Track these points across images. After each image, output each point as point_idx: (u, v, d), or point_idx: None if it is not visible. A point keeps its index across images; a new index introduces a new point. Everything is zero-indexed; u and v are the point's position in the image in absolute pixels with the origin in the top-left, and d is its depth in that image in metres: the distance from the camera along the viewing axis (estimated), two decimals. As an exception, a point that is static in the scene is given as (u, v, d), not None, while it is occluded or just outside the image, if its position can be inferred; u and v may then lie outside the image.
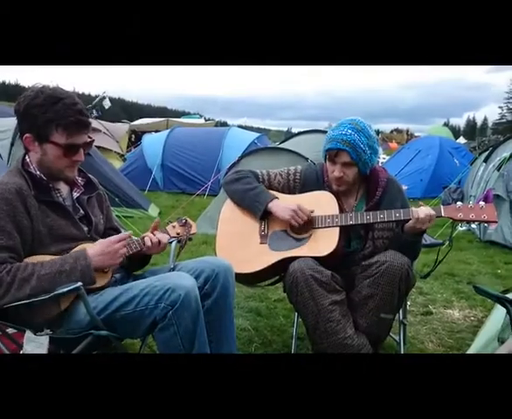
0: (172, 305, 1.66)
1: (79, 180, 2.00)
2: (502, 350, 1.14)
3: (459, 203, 2.20)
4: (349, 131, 2.26)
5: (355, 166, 2.30)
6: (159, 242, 1.97)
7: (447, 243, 2.33)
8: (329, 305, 2.18)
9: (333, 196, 2.36)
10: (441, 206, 2.23)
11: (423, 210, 2.16)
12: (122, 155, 13.62)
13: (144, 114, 29.71)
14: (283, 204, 2.36)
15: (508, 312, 1.68)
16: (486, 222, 2.18)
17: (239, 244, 2.41)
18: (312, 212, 2.33)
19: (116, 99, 73.22)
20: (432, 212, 2.16)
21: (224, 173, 6.44)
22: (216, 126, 20.89)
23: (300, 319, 2.40)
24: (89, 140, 1.87)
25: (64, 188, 1.94)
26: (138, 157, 10.87)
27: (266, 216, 2.41)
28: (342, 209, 2.37)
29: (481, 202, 2.20)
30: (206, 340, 1.78)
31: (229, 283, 1.91)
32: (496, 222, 2.30)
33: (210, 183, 9.40)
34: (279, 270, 2.39)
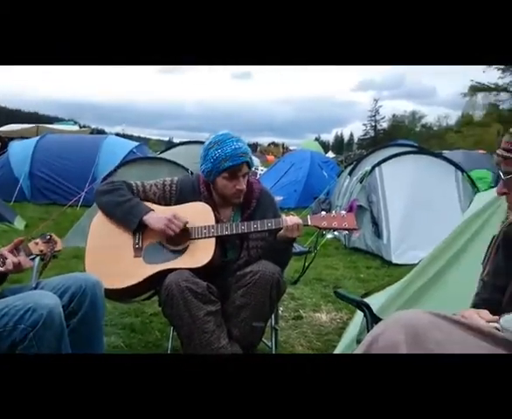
0: (33, 325, 1.55)
1: None
2: (358, 351, 1.24)
3: (323, 213, 2.37)
4: (239, 144, 2.35)
5: (248, 174, 2.40)
6: (19, 263, 1.83)
7: (313, 250, 2.50)
8: (204, 316, 2.20)
9: (209, 207, 2.39)
10: (308, 216, 2.38)
11: (291, 219, 2.29)
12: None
13: (13, 120, 27.27)
14: (159, 214, 2.34)
15: (364, 314, 1.84)
16: (347, 229, 2.38)
17: (111, 259, 2.33)
18: (187, 223, 2.33)
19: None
20: (300, 221, 2.29)
21: (99, 183, 6.18)
22: (91, 133, 19.90)
23: (175, 333, 2.39)
24: None
25: None
26: (3, 165, 9.98)
27: (140, 229, 2.36)
28: (218, 220, 2.40)
29: (343, 212, 2.39)
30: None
31: (97, 299, 1.83)
32: (356, 229, 2.51)
33: (83, 193, 8.94)
34: (154, 283, 2.34)
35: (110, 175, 5.94)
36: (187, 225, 2.33)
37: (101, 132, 34.52)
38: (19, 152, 10.13)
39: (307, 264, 2.51)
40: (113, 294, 2.26)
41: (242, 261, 2.41)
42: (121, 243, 2.36)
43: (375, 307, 2.12)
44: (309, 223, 2.33)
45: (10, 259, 1.80)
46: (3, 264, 1.78)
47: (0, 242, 5.04)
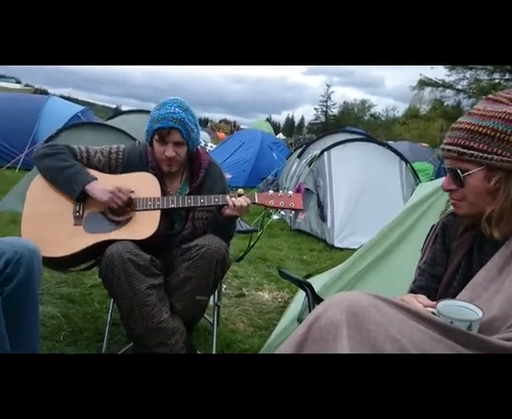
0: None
1: None
2: (300, 329, 1.25)
3: (270, 192, 2.36)
4: (177, 109, 2.27)
5: (185, 145, 2.32)
6: None
7: (259, 229, 2.50)
8: (147, 288, 2.16)
9: (155, 179, 2.33)
10: (255, 193, 2.38)
11: (239, 198, 2.27)
12: None
13: None
14: (102, 187, 2.26)
15: (306, 294, 1.88)
16: (293, 209, 2.39)
17: (50, 226, 2.23)
18: (132, 193, 2.27)
19: None
20: (248, 200, 2.28)
21: (41, 145, 5.90)
22: (34, 93, 18.93)
23: (115, 305, 2.34)
24: None
25: None
26: None
27: (82, 197, 2.27)
28: (165, 192, 2.35)
29: (290, 192, 2.40)
30: (5, 332, 1.60)
31: (34, 267, 1.74)
32: (302, 209, 2.53)
33: (23, 156, 8.55)
34: (95, 253, 2.28)
35: (52, 138, 5.69)
36: (132, 196, 2.27)
37: (45, 92, 32.88)
38: (-48, 106, 9.48)
39: (252, 243, 2.51)
40: (51, 263, 2.17)
41: (187, 232, 2.38)
42: (61, 209, 2.26)
43: (317, 288, 2.16)
44: (256, 200, 2.32)
45: None
46: None
47: None
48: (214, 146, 15.02)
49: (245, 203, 2.25)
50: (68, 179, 2.25)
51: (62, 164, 2.27)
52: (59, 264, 2.29)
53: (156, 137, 2.30)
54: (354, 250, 2.83)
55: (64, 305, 3.02)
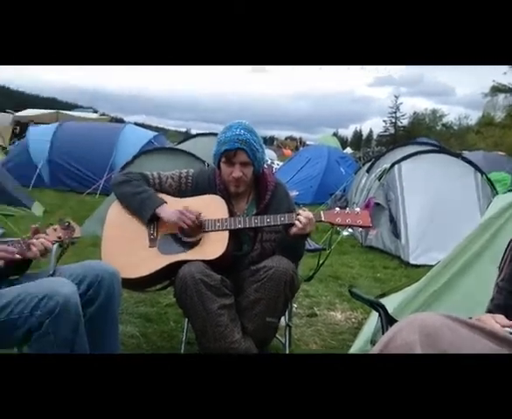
0: (49, 313, 1.56)
1: None
2: (374, 351, 1.24)
3: (337, 209, 2.33)
4: (242, 131, 2.34)
5: (251, 165, 2.38)
6: (44, 248, 1.83)
7: (328, 248, 2.46)
8: (218, 309, 2.20)
9: (222, 200, 2.39)
10: (321, 211, 2.36)
11: (304, 214, 2.27)
12: (4, 148, 12.60)
13: (31, 105, 27.66)
14: (172, 209, 2.35)
15: (379, 315, 1.82)
16: (361, 226, 2.35)
17: (127, 249, 2.34)
18: (200, 214, 2.33)
19: (0, 86, 67.56)
20: (311, 216, 2.27)
21: (118, 172, 6.25)
22: (111, 121, 20.11)
23: (190, 324, 2.40)
24: None
25: None
26: (22, 150, 10.14)
27: (154, 220, 2.37)
28: (232, 213, 2.40)
29: (357, 209, 2.35)
30: (87, 350, 1.70)
31: (114, 289, 1.84)
32: (370, 226, 2.47)
33: (102, 182, 9.03)
34: (169, 274, 2.36)
35: (128, 164, 5.98)
36: (201, 217, 2.33)
37: (120, 120, 34.79)
38: (38, 137, 10.22)
39: (321, 261, 2.48)
40: (128, 283, 2.27)
41: (255, 253, 2.41)
42: (137, 232, 2.37)
43: (391, 308, 2.09)
44: (323, 218, 2.30)
45: (37, 247, 1.81)
46: (29, 249, 1.80)
47: (18, 226, 5.13)
48: (280, 163, 15.09)
49: (310, 215, 2.25)
50: (140, 203, 2.37)
51: (135, 190, 2.40)
52: (137, 284, 2.39)
53: (224, 159, 2.37)
54: (430, 266, 2.71)
55: (142, 324, 3.14)
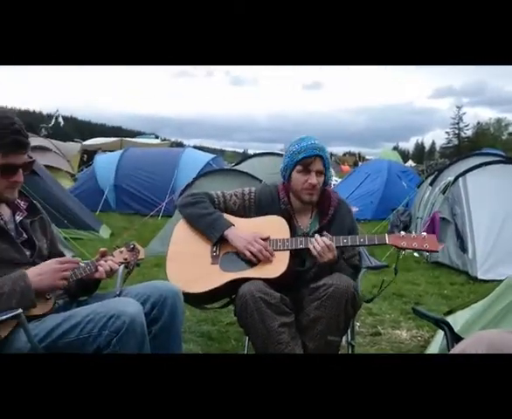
0: (116, 332, 1.63)
1: (22, 203, 1.95)
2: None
3: (402, 233, 2.29)
4: (317, 141, 2.41)
5: (323, 176, 2.42)
6: (111, 269, 1.94)
7: (394, 271, 2.38)
8: (279, 327, 2.20)
9: (284, 221, 2.42)
10: (386, 234, 2.30)
11: (318, 240, 2.24)
12: (73, 175, 13.32)
13: (97, 134, 29.19)
14: (240, 233, 2.39)
15: (445, 333, 1.75)
16: (427, 251, 2.27)
17: (190, 264, 2.41)
18: (267, 238, 2.36)
19: (69, 117, 71.76)
20: (328, 242, 2.24)
21: (178, 194, 6.44)
22: (171, 146, 20.79)
23: (250, 342, 2.41)
24: (29, 160, 1.83)
25: (5, 211, 1.88)
26: (90, 177, 10.68)
27: (219, 240, 2.42)
28: (296, 228, 2.44)
29: (424, 233, 2.28)
30: (153, 367, 1.74)
31: (177, 308, 1.89)
32: (438, 251, 2.39)
33: (164, 204, 9.32)
34: (229, 291, 2.39)
35: (188, 186, 6.14)
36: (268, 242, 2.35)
37: (180, 144, 35.90)
38: (104, 164, 10.77)
39: (384, 283, 2.42)
40: (190, 298, 2.32)
41: (313, 271, 2.40)
42: (201, 250, 2.44)
43: (458, 325, 2.00)
44: (387, 241, 2.26)
45: (104, 269, 1.91)
46: (96, 270, 1.90)
47: (86, 249, 5.39)
48: (339, 180, 14.92)
49: (327, 241, 2.23)
50: (209, 225, 2.43)
51: (203, 211, 2.47)
52: (198, 300, 2.44)
53: (299, 167, 2.40)
54: (499, 281, 2.57)
55: (204, 342, 3.19)
